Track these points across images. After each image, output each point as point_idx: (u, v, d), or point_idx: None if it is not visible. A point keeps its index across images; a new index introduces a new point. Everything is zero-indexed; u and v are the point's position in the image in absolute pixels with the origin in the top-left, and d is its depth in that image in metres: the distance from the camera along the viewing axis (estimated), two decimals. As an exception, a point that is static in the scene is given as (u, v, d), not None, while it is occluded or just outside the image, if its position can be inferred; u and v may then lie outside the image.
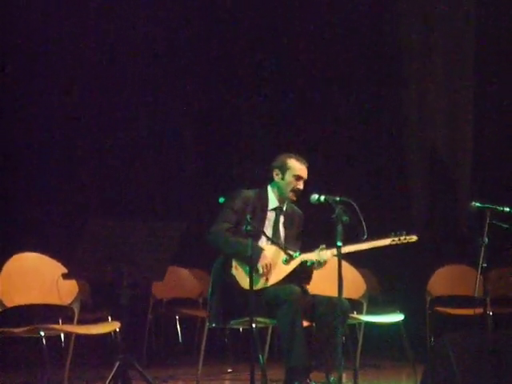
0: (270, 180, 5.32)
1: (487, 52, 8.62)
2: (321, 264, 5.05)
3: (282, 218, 5.29)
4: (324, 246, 5.01)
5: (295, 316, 4.83)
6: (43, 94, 8.53)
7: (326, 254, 5.02)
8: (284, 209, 5.30)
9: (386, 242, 5.10)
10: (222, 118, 9.42)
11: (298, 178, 5.23)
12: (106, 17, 8.90)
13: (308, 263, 5.07)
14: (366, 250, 5.06)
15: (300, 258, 5.07)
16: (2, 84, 8.33)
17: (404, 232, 5.11)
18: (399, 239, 5.10)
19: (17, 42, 8.43)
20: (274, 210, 5.27)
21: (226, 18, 9.35)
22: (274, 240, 5.10)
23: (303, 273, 5.13)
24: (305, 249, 5.18)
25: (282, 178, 5.24)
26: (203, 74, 9.35)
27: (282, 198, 5.28)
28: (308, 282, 5.20)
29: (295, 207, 5.38)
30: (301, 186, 5.24)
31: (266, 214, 5.22)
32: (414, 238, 5.14)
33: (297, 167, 5.23)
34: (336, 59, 9.20)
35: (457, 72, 8.81)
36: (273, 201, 5.27)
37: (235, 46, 9.41)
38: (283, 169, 5.24)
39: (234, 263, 5.07)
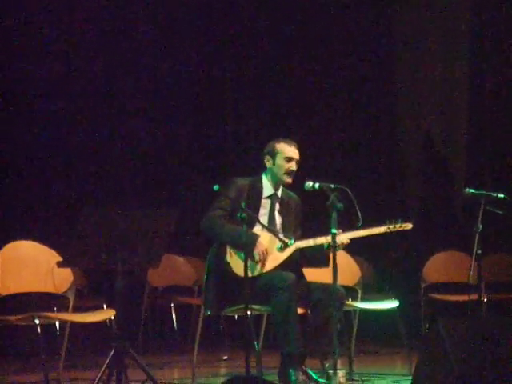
0: (264, 168, 5.32)
1: (483, 38, 8.60)
2: (339, 247, 5.01)
3: (277, 206, 5.29)
4: (340, 230, 4.98)
5: (290, 302, 4.83)
6: (39, 85, 8.50)
7: (344, 237, 5.01)
8: (279, 195, 5.30)
9: (381, 229, 5.08)
10: (218, 105, 9.40)
11: (289, 159, 5.21)
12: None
13: (325, 246, 5.05)
14: (361, 237, 5.06)
15: (295, 245, 5.07)
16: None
17: (399, 220, 5.10)
18: (394, 227, 5.08)
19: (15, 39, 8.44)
20: (270, 197, 5.27)
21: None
22: (268, 227, 5.10)
23: (320, 256, 5.11)
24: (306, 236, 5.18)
25: (274, 163, 5.24)
26: (200, 59, 9.33)
27: (277, 185, 5.28)
28: (327, 265, 5.17)
29: (291, 193, 5.36)
30: (294, 167, 5.23)
31: (260, 201, 5.21)
32: (410, 225, 5.11)
33: (286, 149, 5.22)
34: (331, 47, 9.20)
35: (452, 59, 8.79)
36: (268, 188, 5.27)
37: (236, 30, 9.38)
38: (273, 154, 5.24)
39: (228, 250, 5.07)
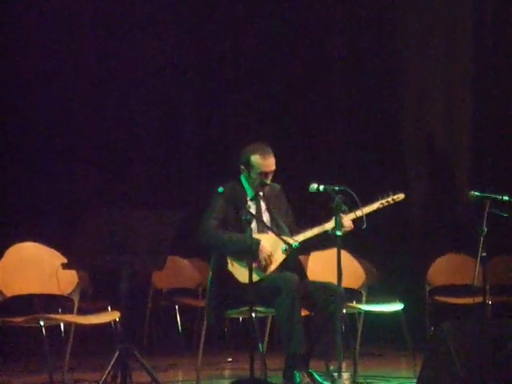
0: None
1: (487, 38, 8.59)
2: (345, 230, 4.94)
3: (263, 205, 5.23)
4: (343, 215, 4.88)
5: (293, 303, 4.82)
6: (42, 83, 8.51)
7: (346, 220, 4.93)
8: (262, 194, 5.23)
9: (375, 205, 5.08)
10: (222, 107, 9.40)
11: (264, 174, 5.13)
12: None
13: (329, 231, 4.99)
14: (358, 218, 4.91)
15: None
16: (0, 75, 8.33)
17: (390, 192, 5.11)
18: (387, 201, 5.11)
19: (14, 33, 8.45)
20: (253, 199, 5.20)
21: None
22: (272, 229, 5.06)
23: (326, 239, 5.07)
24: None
25: (248, 175, 5.17)
26: (205, 61, 9.32)
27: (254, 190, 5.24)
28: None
29: (272, 184, 5.24)
30: (268, 179, 5.14)
31: (246, 203, 5.14)
32: (402, 196, 5.16)
33: (260, 165, 5.10)
34: (334, 46, 9.19)
35: (455, 59, 8.78)
36: (249, 190, 5.21)
37: (236, 34, 9.39)
38: (247, 166, 5.15)
39: (229, 260, 5.03)
